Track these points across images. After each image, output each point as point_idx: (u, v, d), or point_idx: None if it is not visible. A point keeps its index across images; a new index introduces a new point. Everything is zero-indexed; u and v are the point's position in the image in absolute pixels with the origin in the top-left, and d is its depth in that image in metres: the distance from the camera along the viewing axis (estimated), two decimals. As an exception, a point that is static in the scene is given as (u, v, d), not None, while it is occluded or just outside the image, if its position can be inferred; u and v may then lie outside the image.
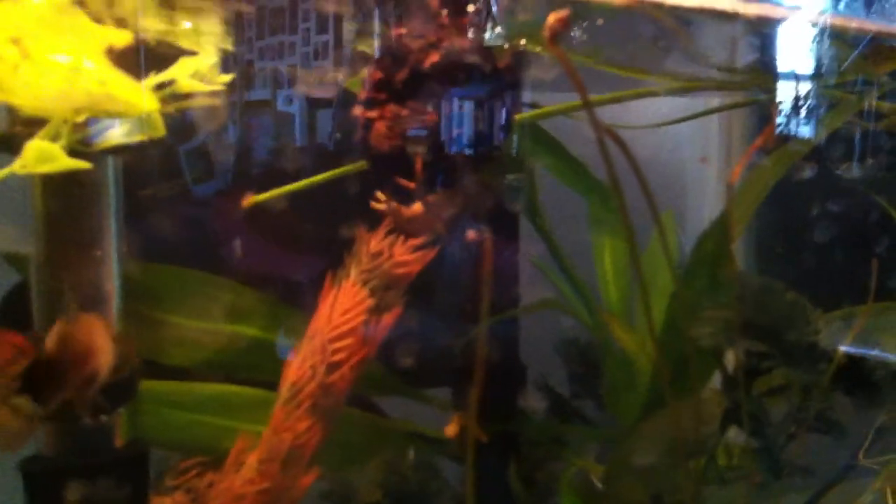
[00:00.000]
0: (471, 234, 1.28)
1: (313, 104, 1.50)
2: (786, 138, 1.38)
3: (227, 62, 1.08)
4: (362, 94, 1.21)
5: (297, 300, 1.39)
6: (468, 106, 1.40)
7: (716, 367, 1.37)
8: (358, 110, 1.20)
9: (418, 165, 1.30)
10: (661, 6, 0.97)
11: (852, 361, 1.37)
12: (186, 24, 1.03)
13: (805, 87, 1.34)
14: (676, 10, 1.00)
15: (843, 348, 1.36)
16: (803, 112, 1.36)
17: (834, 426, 1.38)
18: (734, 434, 1.33)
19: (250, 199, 1.28)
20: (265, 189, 1.45)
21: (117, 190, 1.12)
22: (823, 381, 1.33)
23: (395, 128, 1.22)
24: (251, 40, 1.36)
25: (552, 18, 0.95)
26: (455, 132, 1.36)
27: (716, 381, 1.40)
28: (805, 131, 1.39)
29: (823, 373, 1.33)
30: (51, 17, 0.84)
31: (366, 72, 1.21)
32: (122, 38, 0.89)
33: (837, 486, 1.45)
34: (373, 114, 1.20)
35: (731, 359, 1.34)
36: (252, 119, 1.52)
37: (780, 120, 1.34)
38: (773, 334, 1.31)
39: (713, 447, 1.30)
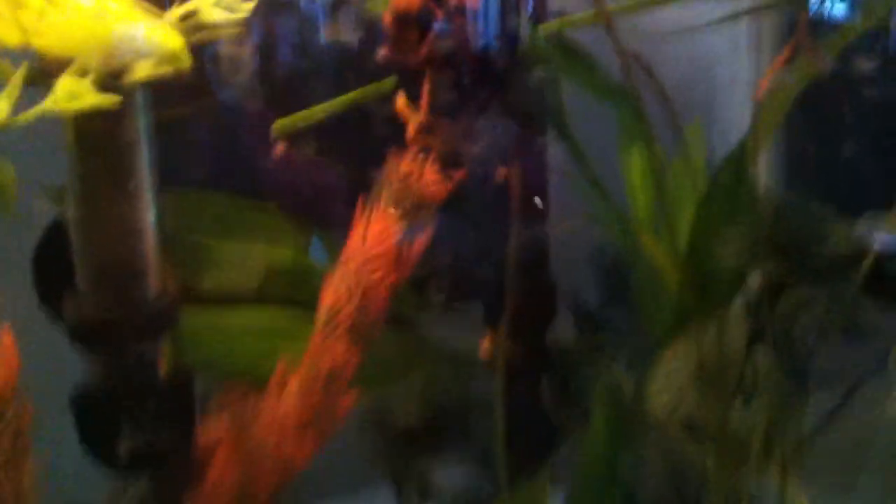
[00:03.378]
0: (501, 172, 1.28)
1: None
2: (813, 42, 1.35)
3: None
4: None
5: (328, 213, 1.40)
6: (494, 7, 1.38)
7: (743, 283, 1.37)
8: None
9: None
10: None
11: (880, 266, 1.36)
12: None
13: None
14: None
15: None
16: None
17: (861, 332, 1.39)
18: (761, 352, 1.34)
19: (279, 124, 1.28)
20: (290, 94, 1.44)
21: (147, 119, 1.12)
22: (850, 291, 1.33)
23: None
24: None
25: None
26: (481, 33, 1.34)
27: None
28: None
29: (850, 282, 1.33)
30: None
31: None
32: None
33: (866, 386, 1.46)
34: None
35: (755, 277, 1.35)
36: (275, 19, 1.50)
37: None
38: (796, 250, 1.31)
39: (739, 368, 1.31)
